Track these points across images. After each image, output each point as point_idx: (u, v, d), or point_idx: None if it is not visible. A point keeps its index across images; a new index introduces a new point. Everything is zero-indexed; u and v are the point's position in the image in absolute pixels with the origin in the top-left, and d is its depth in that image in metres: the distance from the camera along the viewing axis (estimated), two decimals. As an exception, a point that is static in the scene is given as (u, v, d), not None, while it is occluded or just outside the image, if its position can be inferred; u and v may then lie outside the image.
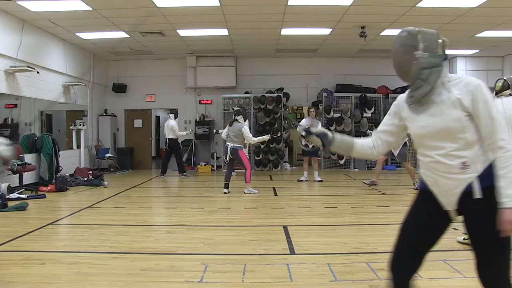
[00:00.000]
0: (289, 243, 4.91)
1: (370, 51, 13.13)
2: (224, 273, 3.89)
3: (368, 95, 13.69)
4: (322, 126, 10.49)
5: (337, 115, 13.60)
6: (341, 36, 11.15)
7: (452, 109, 2.13)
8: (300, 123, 10.75)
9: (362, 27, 10.16)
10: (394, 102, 2.46)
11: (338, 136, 2.54)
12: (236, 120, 8.63)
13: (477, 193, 2.10)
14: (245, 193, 8.50)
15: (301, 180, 10.55)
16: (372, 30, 10.43)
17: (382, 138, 2.50)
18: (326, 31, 10.79)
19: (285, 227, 5.64)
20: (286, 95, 14.01)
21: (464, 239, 4.77)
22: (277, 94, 13.76)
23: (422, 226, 2.29)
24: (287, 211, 6.90)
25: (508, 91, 4.81)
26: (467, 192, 2.12)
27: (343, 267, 4.03)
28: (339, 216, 6.58)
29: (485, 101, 2.09)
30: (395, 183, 10.79)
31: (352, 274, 3.84)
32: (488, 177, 2.09)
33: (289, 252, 4.55)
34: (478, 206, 2.10)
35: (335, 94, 13.90)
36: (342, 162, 13.63)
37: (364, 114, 13.63)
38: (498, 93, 4.86)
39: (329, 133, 2.51)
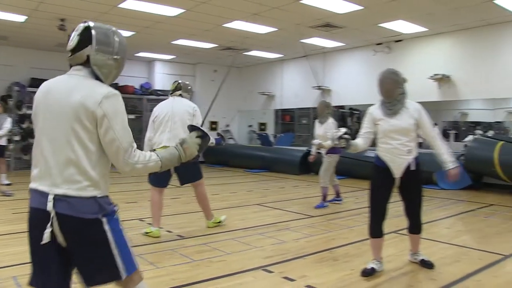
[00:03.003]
0: (-33, 257, 4.21)
1: (70, 46, 12.56)
2: None
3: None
4: (12, 122, 9.42)
5: (30, 111, 12.41)
6: (38, 26, 10.26)
7: (409, 118, 3.77)
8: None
9: (62, 20, 9.61)
10: (368, 112, 3.95)
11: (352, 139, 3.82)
12: None
13: (413, 167, 3.77)
14: None
15: (-15, 184, 9.26)
16: (73, 25, 9.92)
17: (368, 137, 3.93)
18: (20, 18, 9.75)
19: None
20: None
21: (146, 232, 5.13)
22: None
23: (385, 188, 3.84)
24: (-35, 220, 5.93)
25: (179, 92, 5.53)
26: (408, 166, 3.77)
27: (33, 277, 3.68)
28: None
29: (425, 115, 3.82)
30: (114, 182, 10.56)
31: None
32: (416, 158, 3.81)
33: (-34, 268, 3.90)
34: (413, 173, 3.79)
35: (29, 89, 12.62)
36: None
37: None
38: (171, 93, 5.60)
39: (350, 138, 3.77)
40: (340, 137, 3.73)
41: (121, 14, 9.16)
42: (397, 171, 3.80)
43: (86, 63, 2.07)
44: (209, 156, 14.85)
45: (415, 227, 4.02)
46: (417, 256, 4.19)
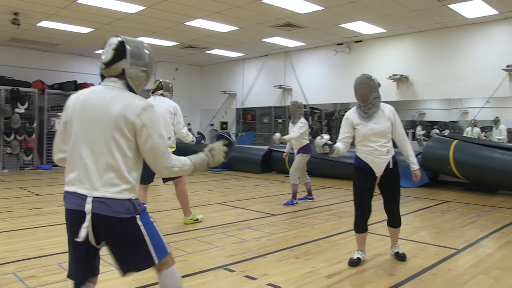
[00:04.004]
0: None
1: (26, 42, 12.15)
2: None
3: (21, 89, 12.53)
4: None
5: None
6: (-11, 20, 9.89)
7: (386, 120, 4.00)
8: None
9: (16, 14, 9.28)
10: (345, 117, 4.14)
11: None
12: None
13: (391, 165, 4.04)
14: None
15: None
16: (27, 19, 9.66)
17: (348, 141, 4.12)
18: (-30, 11, 9.37)
19: None
20: None
21: None
22: None
23: (369, 187, 4.08)
24: None
25: (160, 91, 5.61)
26: (388, 165, 4.02)
27: (-16, 283, 3.53)
28: (-17, 223, 5.78)
29: (398, 118, 4.09)
30: (51, 182, 10.29)
31: (-5, 289, 3.41)
32: (393, 157, 4.07)
33: None
34: (391, 171, 4.05)
35: (-19, 85, 12.19)
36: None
37: (16, 110, 12.42)
38: (153, 92, 5.64)
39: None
40: (325, 144, 3.87)
41: (80, 9, 8.93)
42: (378, 170, 4.04)
43: (121, 75, 2.24)
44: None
45: (394, 221, 4.26)
46: (393, 249, 4.40)
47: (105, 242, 2.21)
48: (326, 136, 3.92)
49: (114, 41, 2.25)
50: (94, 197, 2.10)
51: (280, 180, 11.00)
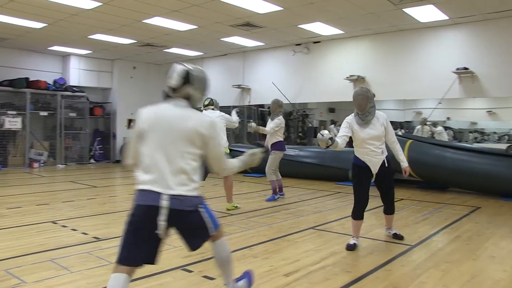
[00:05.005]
0: None
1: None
2: None
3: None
4: None
5: None
6: None
7: (381, 126, 4.64)
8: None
9: (-37, 8, 8.89)
10: (346, 121, 4.72)
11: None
12: None
13: (386, 164, 4.70)
14: None
15: None
16: (-25, 13, 9.27)
17: (345, 139, 4.57)
18: None
19: None
20: None
21: None
22: None
23: (367, 182, 4.71)
24: None
25: (211, 107, 7.03)
26: (382, 163, 4.67)
27: None
28: None
29: (390, 124, 4.71)
30: (1, 184, 9.92)
31: None
32: (387, 157, 4.72)
33: None
34: (386, 168, 4.71)
35: None
36: None
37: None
38: (205, 106, 7.00)
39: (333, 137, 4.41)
40: (329, 138, 4.29)
41: (31, 3, 8.63)
42: (374, 168, 4.69)
43: (185, 96, 2.75)
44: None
45: (389, 209, 5.01)
46: (390, 231, 5.18)
47: (176, 230, 2.69)
48: (326, 132, 4.34)
49: (180, 69, 2.78)
50: (170, 195, 2.54)
51: (238, 179, 10.98)
